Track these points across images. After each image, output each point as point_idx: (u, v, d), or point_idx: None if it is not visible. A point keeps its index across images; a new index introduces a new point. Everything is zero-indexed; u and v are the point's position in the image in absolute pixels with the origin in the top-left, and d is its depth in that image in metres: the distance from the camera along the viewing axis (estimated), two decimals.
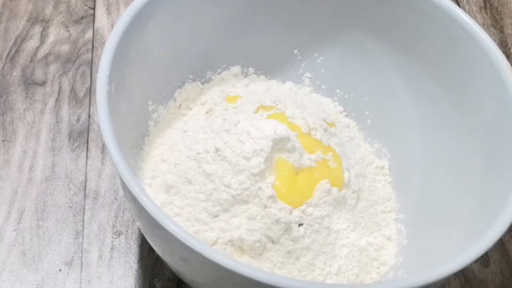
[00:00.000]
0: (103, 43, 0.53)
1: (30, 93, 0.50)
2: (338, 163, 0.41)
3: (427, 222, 0.41)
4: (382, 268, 0.40)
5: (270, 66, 0.47)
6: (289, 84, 0.48)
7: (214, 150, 0.38)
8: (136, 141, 0.41)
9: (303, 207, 0.38)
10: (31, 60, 0.52)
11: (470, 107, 0.40)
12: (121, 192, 0.45)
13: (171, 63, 0.43)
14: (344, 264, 0.39)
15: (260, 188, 0.37)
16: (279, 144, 0.39)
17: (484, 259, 0.45)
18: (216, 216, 0.38)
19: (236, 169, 0.37)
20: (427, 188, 0.42)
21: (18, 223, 0.44)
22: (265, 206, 0.37)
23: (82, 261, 0.43)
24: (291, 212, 0.38)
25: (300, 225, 0.38)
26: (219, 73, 0.46)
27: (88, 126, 0.49)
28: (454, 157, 0.40)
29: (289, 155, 0.39)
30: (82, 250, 0.43)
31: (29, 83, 0.51)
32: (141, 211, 0.31)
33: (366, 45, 0.45)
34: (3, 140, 0.48)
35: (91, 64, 0.52)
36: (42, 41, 0.53)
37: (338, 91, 0.47)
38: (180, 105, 0.45)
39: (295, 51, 0.47)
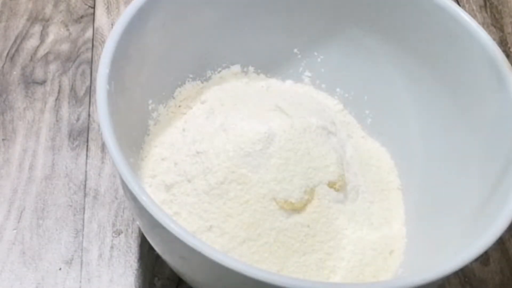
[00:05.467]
0: (103, 42, 0.53)
1: (30, 92, 0.50)
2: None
3: (426, 221, 0.41)
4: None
5: (270, 65, 0.47)
6: (289, 83, 0.48)
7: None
8: (136, 140, 0.41)
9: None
10: (31, 59, 0.52)
11: (470, 106, 0.40)
12: (121, 191, 0.45)
13: (171, 62, 0.43)
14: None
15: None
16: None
17: (484, 258, 0.45)
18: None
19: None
20: (427, 187, 0.42)
21: (18, 222, 0.44)
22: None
23: (82, 260, 0.43)
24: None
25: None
26: (219, 72, 0.46)
27: (88, 125, 0.49)
28: (454, 156, 0.40)
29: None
30: (82, 249, 0.43)
31: (29, 82, 0.51)
32: (141, 210, 0.31)
33: (366, 44, 0.45)
34: (3, 139, 0.48)
35: (91, 63, 0.52)
36: (42, 40, 0.53)
37: (338, 90, 0.47)
38: (180, 104, 0.44)
39: (295, 50, 0.47)
